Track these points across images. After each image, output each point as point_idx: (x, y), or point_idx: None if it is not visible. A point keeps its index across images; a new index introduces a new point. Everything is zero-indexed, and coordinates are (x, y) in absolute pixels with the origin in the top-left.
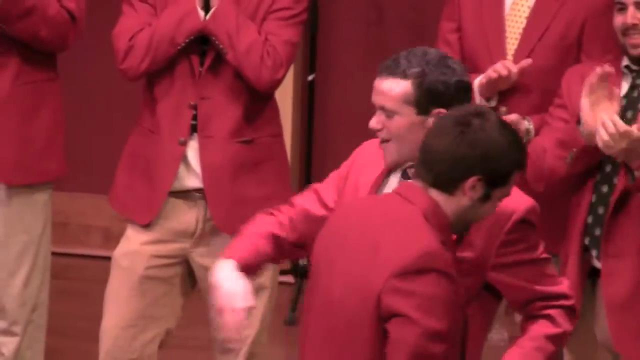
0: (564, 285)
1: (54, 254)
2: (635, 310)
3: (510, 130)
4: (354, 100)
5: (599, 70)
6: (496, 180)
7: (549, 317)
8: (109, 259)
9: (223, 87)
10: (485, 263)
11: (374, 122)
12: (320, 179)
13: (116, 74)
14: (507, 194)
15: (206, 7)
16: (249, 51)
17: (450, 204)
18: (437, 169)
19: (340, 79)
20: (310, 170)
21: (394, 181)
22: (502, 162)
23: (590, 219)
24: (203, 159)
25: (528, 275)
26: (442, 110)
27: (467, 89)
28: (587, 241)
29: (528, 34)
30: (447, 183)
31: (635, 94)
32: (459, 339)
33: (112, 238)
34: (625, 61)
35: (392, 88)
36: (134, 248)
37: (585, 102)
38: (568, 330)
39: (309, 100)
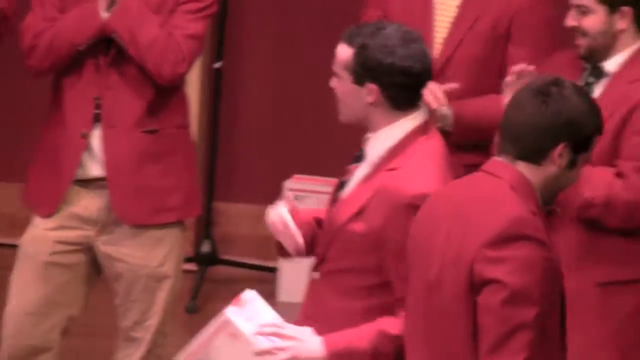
0: None
1: None
2: (571, 312)
3: (585, 95)
4: (261, 88)
5: (515, 68)
6: (580, 146)
7: (399, 317)
8: (15, 246)
9: (127, 78)
10: (382, 241)
11: (332, 82)
12: (223, 166)
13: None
14: (589, 159)
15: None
16: (150, 46)
17: (537, 174)
18: (523, 141)
19: (247, 67)
20: (215, 158)
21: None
22: (585, 127)
23: None
24: (106, 149)
25: (390, 265)
26: (374, 87)
27: (405, 73)
28: None
29: (458, 22)
30: (535, 154)
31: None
32: (556, 309)
33: (18, 225)
34: None
35: (340, 52)
36: (39, 234)
37: (507, 101)
38: (394, 333)
39: (215, 88)
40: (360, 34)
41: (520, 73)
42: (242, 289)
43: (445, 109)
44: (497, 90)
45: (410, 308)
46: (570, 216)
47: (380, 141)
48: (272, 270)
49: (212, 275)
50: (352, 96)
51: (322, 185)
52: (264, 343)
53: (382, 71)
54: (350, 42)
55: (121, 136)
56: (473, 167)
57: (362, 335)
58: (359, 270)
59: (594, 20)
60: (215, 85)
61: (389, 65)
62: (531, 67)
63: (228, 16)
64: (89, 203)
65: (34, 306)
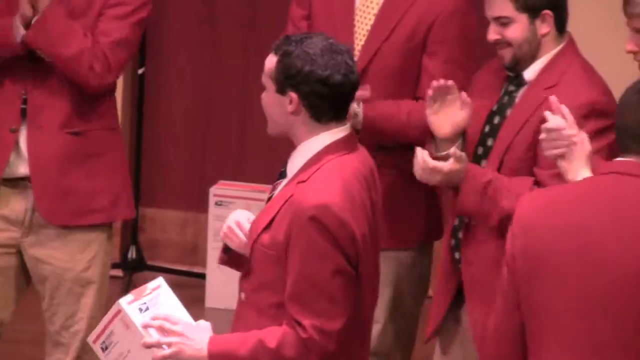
0: (308, 318)
1: None
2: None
3: None
4: (185, 94)
5: (434, 84)
6: None
7: (282, 330)
8: None
9: (54, 78)
10: (285, 253)
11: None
12: (149, 172)
13: None
14: None
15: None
16: (74, 60)
17: None
18: None
19: (170, 73)
20: (140, 164)
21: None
22: None
23: (456, 221)
24: (31, 149)
25: (291, 279)
26: (294, 95)
27: (323, 82)
28: (452, 242)
29: (374, 33)
30: None
31: (506, 99)
32: None
33: None
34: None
35: (267, 62)
36: None
37: (428, 113)
38: (281, 354)
39: (139, 94)
40: (286, 43)
41: (439, 89)
42: (174, 293)
43: (356, 107)
44: (414, 99)
45: (560, 330)
46: (489, 227)
47: (300, 154)
48: (200, 276)
49: (139, 281)
50: (275, 106)
51: (248, 191)
52: (154, 335)
53: (301, 79)
54: (276, 52)
55: (46, 137)
56: (391, 175)
57: (244, 341)
58: (272, 286)
59: (517, 29)
60: (139, 91)
61: (307, 73)
62: (450, 82)
63: (150, 22)
64: (15, 203)
65: None
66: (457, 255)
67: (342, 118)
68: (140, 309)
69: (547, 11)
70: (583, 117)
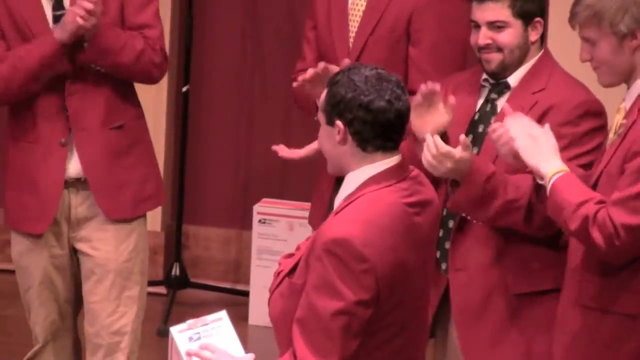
0: (304, 352)
1: None
2: (482, 322)
3: None
4: (228, 111)
5: (422, 88)
6: None
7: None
8: None
9: (87, 82)
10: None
11: None
12: (193, 189)
13: None
14: None
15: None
16: (137, 63)
17: None
18: None
19: (214, 91)
20: (184, 181)
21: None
22: None
23: (440, 233)
24: (81, 152)
25: (300, 307)
26: (339, 124)
27: (365, 107)
28: (438, 254)
29: (362, 29)
30: None
31: (488, 107)
32: None
33: None
34: (484, 75)
35: (321, 96)
36: (33, 246)
37: (412, 116)
38: None
39: (183, 111)
40: (336, 74)
41: (427, 94)
42: (217, 310)
43: None
44: None
45: None
46: (482, 221)
47: (345, 187)
48: (243, 293)
49: (183, 298)
50: (327, 139)
51: (291, 209)
52: None
53: (344, 106)
54: (328, 83)
55: (92, 137)
56: None
57: None
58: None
59: (511, 34)
60: (183, 108)
61: (350, 99)
62: (437, 85)
63: (193, 39)
64: (62, 203)
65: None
66: (443, 266)
67: (390, 148)
68: (191, 338)
69: (538, 19)
70: (579, 117)
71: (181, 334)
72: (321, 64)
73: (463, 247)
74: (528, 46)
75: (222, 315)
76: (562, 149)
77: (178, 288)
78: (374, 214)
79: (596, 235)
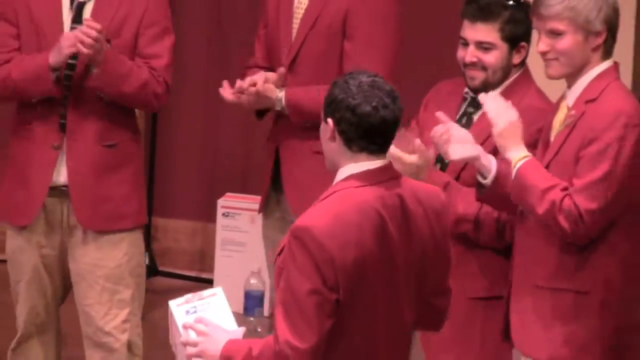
0: (284, 332)
1: None
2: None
3: None
4: (195, 114)
5: (435, 132)
6: None
7: (265, 340)
8: None
9: (89, 97)
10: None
11: None
12: (162, 185)
13: None
14: None
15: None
16: (138, 93)
17: None
18: None
19: (182, 93)
20: (154, 177)
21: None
22: None
23: None
24: (70, 162)
25: (279, 291)
26: (330, 121)
27: (352, 110)
28: None
29: (303, 23)
30: None
31: (464, 120)
32: None
33: None
34: (466, 88)
35: None
36: (22, 242)
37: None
38: (252, 355)
39: (153, 112)
40: (339, 77)
41: (440, 137)
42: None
43: (278, 93)
44: None
45: None
46: None
47: (334, 182)
48: (208, 281)
49: (152, 286)
50: (323, 134)
51: (252, 202)
52: (191, 335)
53: (335, 106)
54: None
55: (84, 150)
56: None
57: (243, 348)
58: None
59: (497, 56)
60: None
61: (340, 100)
62: (446, 129)
63: None
64: (55, 208)
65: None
66: None
67: (374, 152)
68: (188, 312)
69: (523, 43)
70: (537, 135)
71: (179, 308)
72: (247, 80)
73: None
74: (510, 68)
75: (218, 291)
76: None
77: (148, 276)
78: (343, 209)
79: (562, 221)
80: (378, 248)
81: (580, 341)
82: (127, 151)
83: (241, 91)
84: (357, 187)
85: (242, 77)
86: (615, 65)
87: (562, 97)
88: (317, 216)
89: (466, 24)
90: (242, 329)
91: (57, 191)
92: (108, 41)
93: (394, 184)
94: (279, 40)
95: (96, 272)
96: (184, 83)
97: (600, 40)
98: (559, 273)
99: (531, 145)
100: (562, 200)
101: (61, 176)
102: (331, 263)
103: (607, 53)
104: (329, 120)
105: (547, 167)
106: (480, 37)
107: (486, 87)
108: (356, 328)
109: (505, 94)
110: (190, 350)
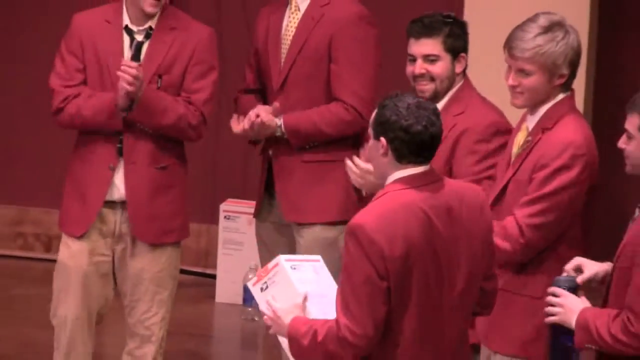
0: (344, 319)
1: None
2: None
3: None
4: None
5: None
6: None
7: (329, 324)
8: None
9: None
10: None
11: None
12: None
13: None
14: None
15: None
16: (175, 126)
17: None
18: None
19: None
20: None
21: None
22: None
23: None
24: (127, 182)
25: (339, 282)
26: (383, 140)
27: (405, 130)
28: None
29: (292, 48)
30: None
31: None
32: None
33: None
34: None
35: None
36: (76, 250)
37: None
38: (325, 347)
39: None
40: (385, 99)
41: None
42: (190, 290)
43: (277, 120)
44: (326, 100)
45: None
46: None
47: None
48: (211, 276)
49: None
50: (373, 151)
51: (250, 207)
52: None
53: (389, 127)
54: (377, 105)
55: (139, 171)
56: (312, 163)
57: (309, 330)
58: None
59: (442, 67)
60: None
61: (393, 122)
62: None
63: None
64: (109, 219)
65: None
66: None
67: (420, 162)
68: (262, 289)
69: (463, 54)
70: (491, 134)
71: (255, 288)
72: (253, 113)
73: None
74: (454, 77)
75: (279, 260)
76: (476, 163)
77: None
78: (390, 208)
79: (499, 242)
80: (425, 242)
81: (531, 337)
82: (176, 173)
83: (251, 125)
84: (402, 189)
85: (236, 100)
86: (572, 93)
87: (524, 119)
88: (367, 215)
89: (412, 41)
90: (304, 293)
91: (109, 204)
92: (160, 77)
93: (437, 185)
94: (268, 65)
95: (143, 275)
96: None
97: (563, 79)
98: (515, 280)
99: (484, 140)
100: (504, 224)
101: (114, 193)
102: (381, 255)
103: (567, 87)
104: (382, 139)
105: (507, 183)
106: (427, 51)
107: (436, 96)
108: (411, 312)
109: (451, 102)
110: (271, 330)
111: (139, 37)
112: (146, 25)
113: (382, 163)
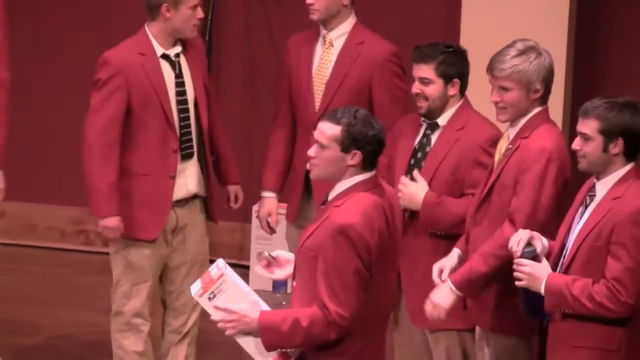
0: (333, 305)
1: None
2: (424, 290)
3: None
4: (234, 141)
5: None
6: None
7: (312, 311)
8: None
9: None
10: (318, 255)
11: (311, 152)
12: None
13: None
14: None
15: None
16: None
17: None
18: None
19: (227, 126)
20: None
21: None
22: None
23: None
24: (193, 179)
25: (324, 275)
26: (357, 153)
27: (379, 141)
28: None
29: (331, 83)
30: None
31: (424, 140)
32: None
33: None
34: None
35: (327, 129)
36: (147, 252)
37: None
38: (311, 331)
39: None
40: (344, 116)
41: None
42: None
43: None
44: None
45: None
46: (438, 232)
47: (338, 188)
48: (245, 267)
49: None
50: (336, 161)
51: (280, 208)
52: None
53: (366, 141)
54: (336, 122)
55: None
56: None
57: (285, 319)
58: (310, 277)
59: (434, 89)
60: None
61: (371, 137)
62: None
63: (211, 69)
64: (172, 217)
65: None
66: None
67: (374, 167)
68: (210, 298)
69: (456, 80)
70: (490, 146)
71: (202, 298)
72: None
73: (413, 239)
74: (447, 98)
75: (222, 269)
76: (483, 172)
77: None
78: (365, 207)
79: (507, 230)
80: (388, 235)
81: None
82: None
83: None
84: (365, 191)
85: (271, 136)
86: (546, 108)
87: (507, 130)
88: (352, 215)
89: (414, 65)
90: (250, 291)
91: (174, 204)
92: (205, 87)
93: (381, 187)
94: (301, 97)
95: (197, 257)
96: (225, 112)
97: (538, 95)
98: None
99: (486, 152)
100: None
101: (179, 193)
102: (368, 248)
103: (543, 101)
104: (356, 152)
105: (491, 187)
106: (421, 74)
107: (430, 112)
108: (378, 292)
109: (453, 118)
110: (230, 331)
111: (174, 58)
112: (177, 50)
113: (342, 169)
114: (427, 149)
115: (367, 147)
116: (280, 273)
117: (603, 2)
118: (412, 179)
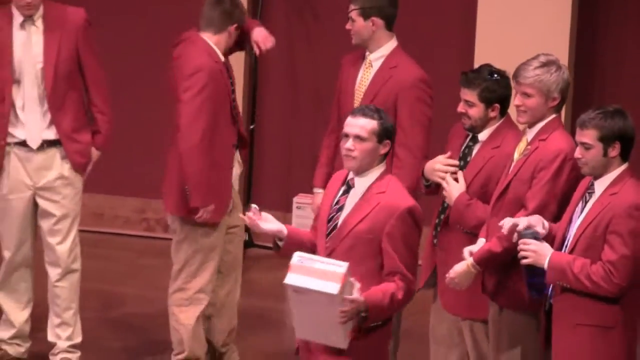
0: (410, 275)
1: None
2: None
3: None
4: (276, 147)
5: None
6: None
7: (396, 285)
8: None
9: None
10: (380, 233)
11: (350, 145)
12: (257, 184)
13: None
14: None
15: None
16: None
17: None
18: None
19: (269, 131)
20: (252, 178)
21: (359, 186)
22: None
23: (437, 220)
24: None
25: (398, 252)
26: (388, 143)
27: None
28: (434, 233)
29: (365, 100)
30: None
31: (467, 151)
32: None
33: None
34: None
35: (366, 124)
36: (218, 233)
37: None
38: (400, 299)
39: (250, 143)
40: (377, 111)
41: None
42: (272, 261)
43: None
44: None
45: None
46: (465, 229)
47: (368, 178)
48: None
49: (249, 254)
50: (373, 151)
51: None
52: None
53: (392, 133)
54: (371, 117)
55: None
56: None
57: (384, 295)
58: (362, 256)
59: (476, 111)
60: (250, 141)
61: (392, 127)
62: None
63: (258, 90)
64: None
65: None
66: (435, 241)
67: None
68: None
69: (496, 104)
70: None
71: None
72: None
73: (448, 234)
74: (488, 119)
75: (298, 255)
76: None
77: (246, 247)
78: (405, 190)
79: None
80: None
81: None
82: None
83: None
84: (390, 174)
85: (324, 142)
86: (560, 116)
87: (524, 132)
88: (407, 197)
89: (461, 87)
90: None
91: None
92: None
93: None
94: (346, 108)
95: (240, 233)
96: (270, 126)
97: (555, 102)
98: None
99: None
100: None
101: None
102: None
103: (558, 109)
104: (387, 142)
105: (509, 182)
106: (466, 97)
107: (473, 129)
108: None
109: (492, 136)
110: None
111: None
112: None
113: (375, 159)
114: (468, 159)
115: (394, 137)
116: (265, 225)
117: (602, 24)
118: (456, 179)
